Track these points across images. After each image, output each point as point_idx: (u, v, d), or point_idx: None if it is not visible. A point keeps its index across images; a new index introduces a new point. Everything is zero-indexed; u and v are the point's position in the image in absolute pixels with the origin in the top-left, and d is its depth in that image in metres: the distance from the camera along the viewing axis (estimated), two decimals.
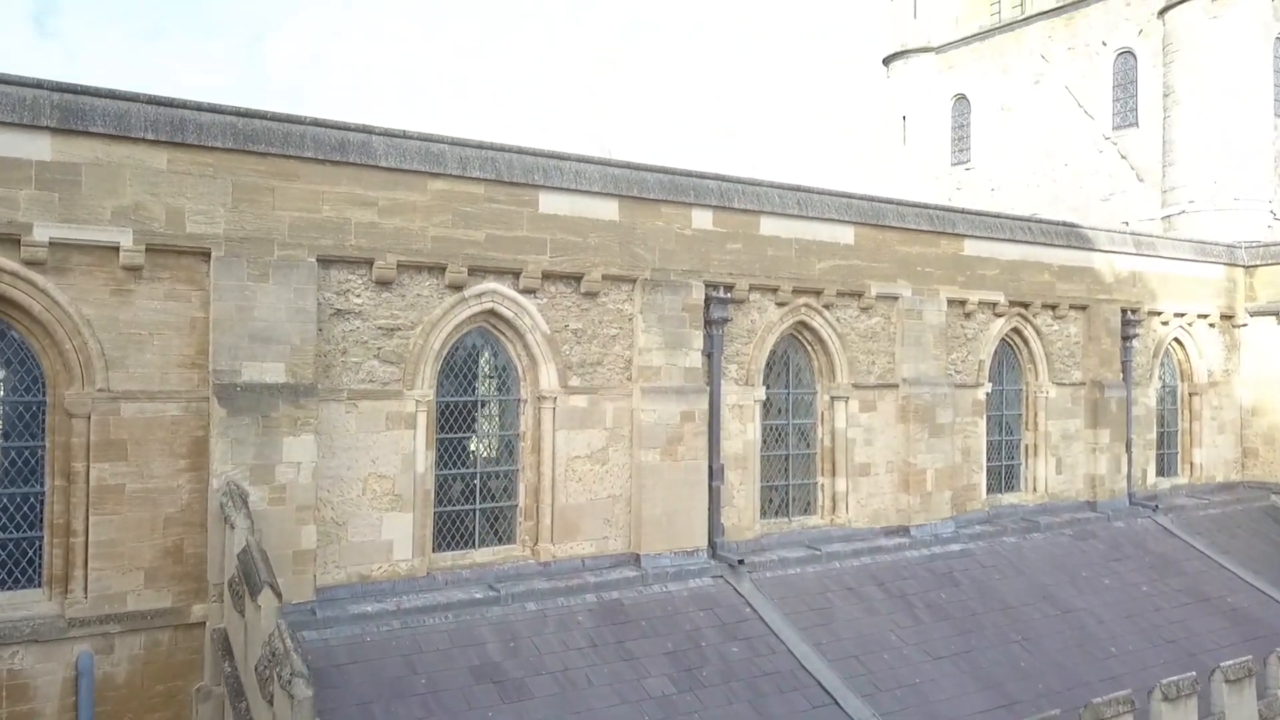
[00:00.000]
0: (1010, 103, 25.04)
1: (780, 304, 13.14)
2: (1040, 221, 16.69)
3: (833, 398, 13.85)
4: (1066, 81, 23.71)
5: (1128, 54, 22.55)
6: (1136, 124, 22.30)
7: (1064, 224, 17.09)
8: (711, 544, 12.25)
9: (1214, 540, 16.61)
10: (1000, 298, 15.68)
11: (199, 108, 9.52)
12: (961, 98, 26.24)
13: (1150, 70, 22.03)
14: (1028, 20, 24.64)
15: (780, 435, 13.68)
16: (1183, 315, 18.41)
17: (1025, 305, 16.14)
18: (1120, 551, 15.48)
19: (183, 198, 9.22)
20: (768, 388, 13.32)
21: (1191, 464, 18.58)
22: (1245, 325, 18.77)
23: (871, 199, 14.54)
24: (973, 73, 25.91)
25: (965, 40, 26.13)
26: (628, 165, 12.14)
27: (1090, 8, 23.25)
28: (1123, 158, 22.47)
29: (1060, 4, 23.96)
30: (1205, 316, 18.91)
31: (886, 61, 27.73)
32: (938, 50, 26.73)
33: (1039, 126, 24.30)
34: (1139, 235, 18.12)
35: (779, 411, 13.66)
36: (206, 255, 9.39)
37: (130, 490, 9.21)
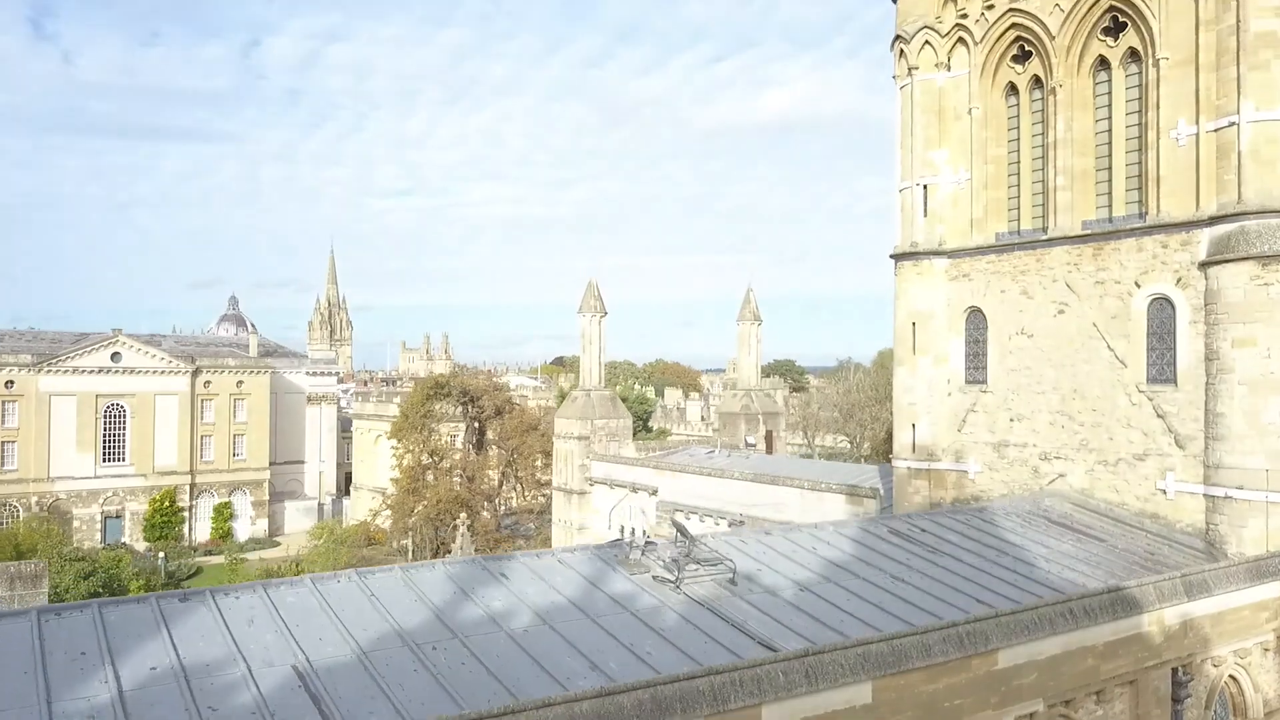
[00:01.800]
0: (1031, 329, 22.86)
1: None
2: (1085, 597, 14.48)
3: None
4: (1095, 319, 21.53)
5: (1164, 301, 20.37)
6: (1174, 382, 20.12)
7: (1109, 590, 14.90)
8: None
9: None
10: (1039, 706, 13.50)
11: None
12: (977, 311, 24.06)
13: (1189, 326, 19.86)
14: (1051, 242, 22.45)
15: None
16: (1239, 650, 16.25)
17: (1067, 702, 13.97)
18: None
19: None
20: None
21: None
22: None
23: (892, 638, 12.34)
24: (989, 288, 23.72)
25: (981, 250, 23.95)
26: None
27: (1122, 242, 21.07)
28: (1159, 416, 20.30)
29: (1087, 232, 21.78)
30: (1263, 643, 16.77)
31: (895, 259, 25.56)
32: (951, 255, 24.56)
33: (1065, 361, 22.12)
34: (1189, 576, 15.93)
35: None
36: None
37: None
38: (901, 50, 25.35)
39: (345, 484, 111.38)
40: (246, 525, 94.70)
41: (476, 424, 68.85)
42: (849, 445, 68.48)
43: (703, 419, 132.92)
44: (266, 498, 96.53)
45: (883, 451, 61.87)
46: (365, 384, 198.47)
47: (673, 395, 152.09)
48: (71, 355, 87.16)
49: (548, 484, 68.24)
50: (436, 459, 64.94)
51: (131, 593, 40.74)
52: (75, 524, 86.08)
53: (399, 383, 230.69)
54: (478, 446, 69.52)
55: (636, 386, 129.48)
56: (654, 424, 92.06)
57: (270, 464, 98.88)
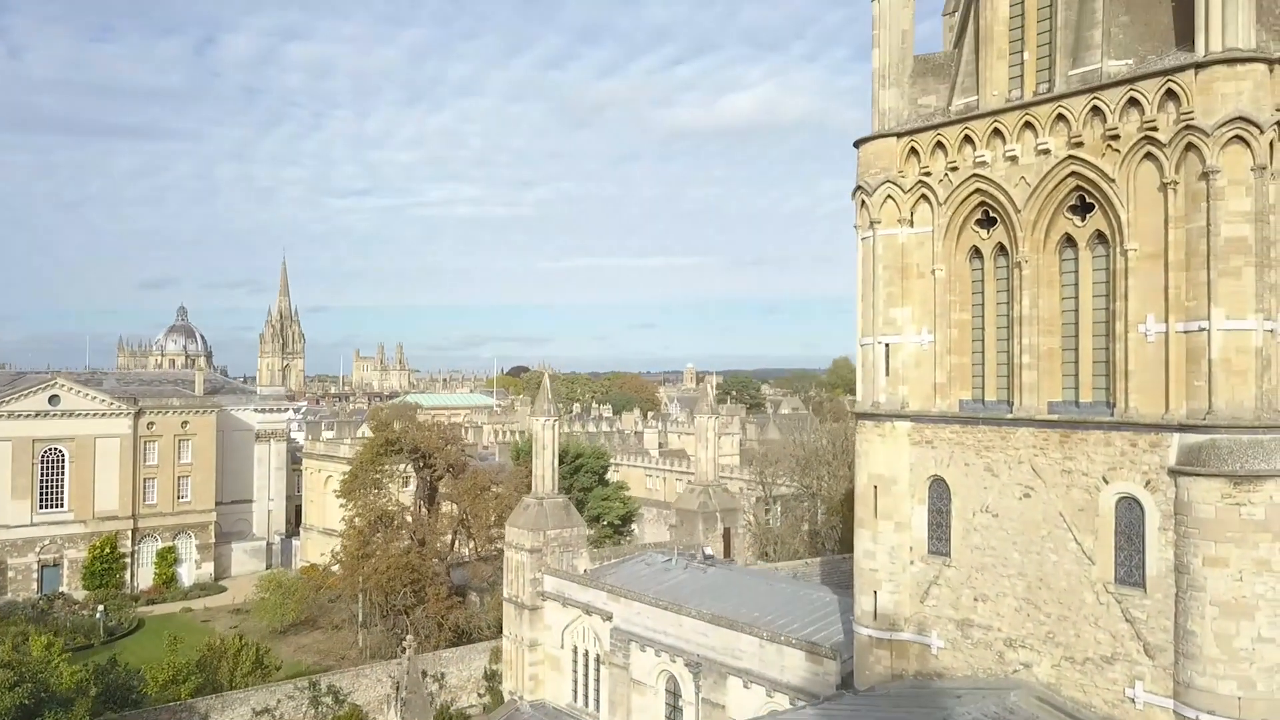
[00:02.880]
0: (996, 508, 22.15)
1: None
2: None
3: None
4: (1062, 508, 20.86)
5: (1133, 501, 19.74)
6: (1144, 587, 19.50)
7: None
8: None
9: None
10: None
11: None
12: (940, 481, 23.31)
13: (1159, 533, 19.23)
14: (1016, 422, 21.75)
15: None
16: None
17: None
18: None
19: None
20: None
21: None
22: None
23: None
24: (954, 459, 22.98)
25: (945, 419, 23.19)
26: None
27: (1090, 433, 20.40)
28: (1128, 621, 19.66)
29: (1054, 417, 21.09)
30: None
31: (857, 416, 24.74)
32: (914, 419, 23.78)
33: (1031, 548, 21.43)
34: None
35: None
36: None
37: None
38: (863, 201, 24.52)
39: (296, 516, 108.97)
40: (191, 569, 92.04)
41: (428, 483, 67.27)
42: (806, 503, 67.90)
43: (660, 446, 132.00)
44: (212, 540, 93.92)
45: (841, 513, 61.34)
46: (318, 401, 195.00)
47: (629, 419, 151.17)
48: (6, 399, 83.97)
49: (501, 538, 66.94)
50: (387, 520, 63.28)
51: (74, 708, 38.47)
52: (10, 574, 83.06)
53: (352, 398, 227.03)
54: (429, 504, 67.96)
55: (594, 427, 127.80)
56: (611, 462, 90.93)
57: (217, 504, 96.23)
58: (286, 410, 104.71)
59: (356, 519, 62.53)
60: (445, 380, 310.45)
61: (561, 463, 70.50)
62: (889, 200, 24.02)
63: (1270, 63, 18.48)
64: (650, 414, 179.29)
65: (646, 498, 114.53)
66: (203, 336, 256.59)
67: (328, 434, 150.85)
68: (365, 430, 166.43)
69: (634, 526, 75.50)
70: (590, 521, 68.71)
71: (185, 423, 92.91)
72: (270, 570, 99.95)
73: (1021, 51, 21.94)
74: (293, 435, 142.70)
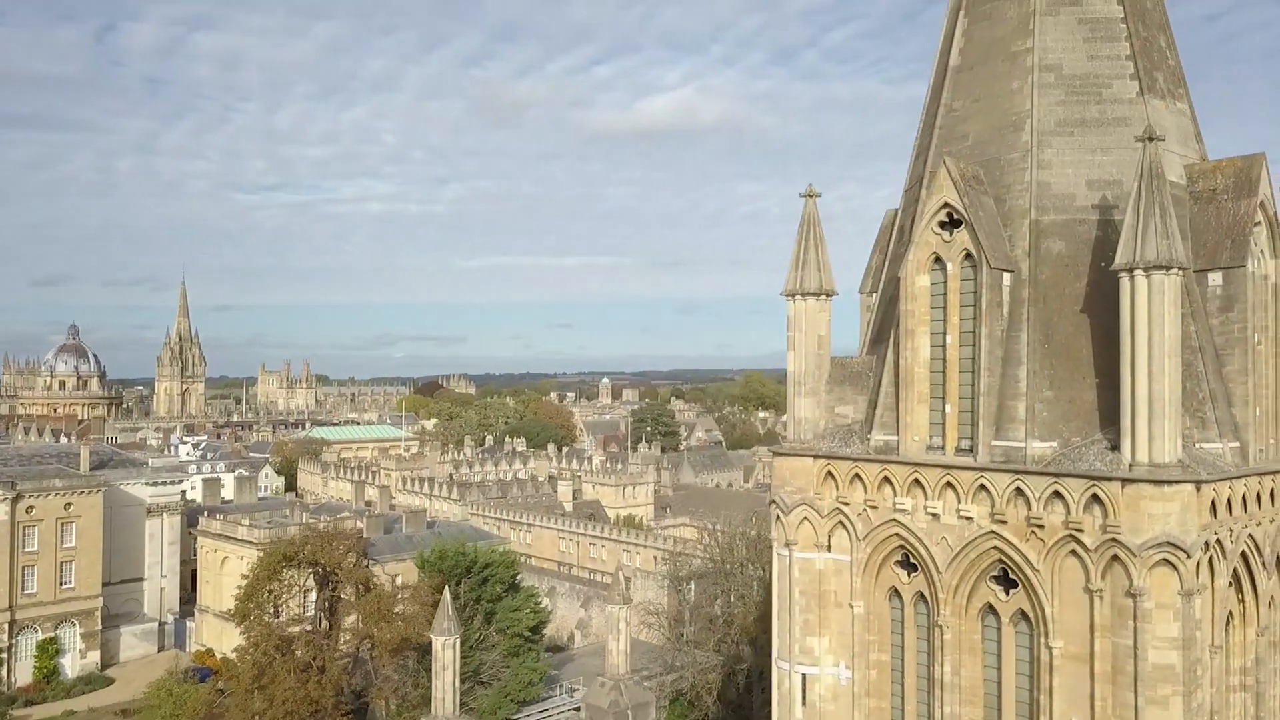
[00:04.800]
0: None
1: None
2: None
3: None
4: None
5: None
6: None
7: None
8: None
9: None
10: None
11: None
12: None
13: None
14: None
15: None
16: None
17: None
18: None
19: None
20: None
21: None
22: None
23: None
24: None
25: None
26: None
27: None
28: None
29: None
30: None
31: None
32: None
33: None
34: None
35: None
36: None
37: None
38: (779, 516, 23.22)
39: (192, 582, 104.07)
40: (75, 660, 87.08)
41: (329, 600, 64.40)
42: (722, 625, 66.95)
43: (575, 496, 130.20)
44: (98, 627, 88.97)
45: (760, 644, 60.44)
46: (219, 434, 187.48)
47: (543, 464, 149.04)
48: None
49: (407, 653, 64.46)
50: (284, 645, 60.23)
51: None
52: None
53: (256, 427, 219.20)
54: (330, 618, 65.09)
55: (506, 466, 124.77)
56: (523, 556, 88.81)
57: (104, 585, 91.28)
58: (180, 482, 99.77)
59: (251, 651, 59.34)
60: (353, 398, 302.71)
61: (469, 573, 68.43)
62: (805, 522, 22.74)
63: (1198, 484, 17.71)
64: (565, 448, 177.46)
65: (560, 560, 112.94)
66: (95, 356, 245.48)
67: (227, 480, 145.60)
68: (268, 474, 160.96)
69: (545, 632, 73.67)
70: (500, 634, 66.72)
71: (69, 504, 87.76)
72: (163, 653, 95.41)
73: (944, 402, 20.88)
74: (190, 475, 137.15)
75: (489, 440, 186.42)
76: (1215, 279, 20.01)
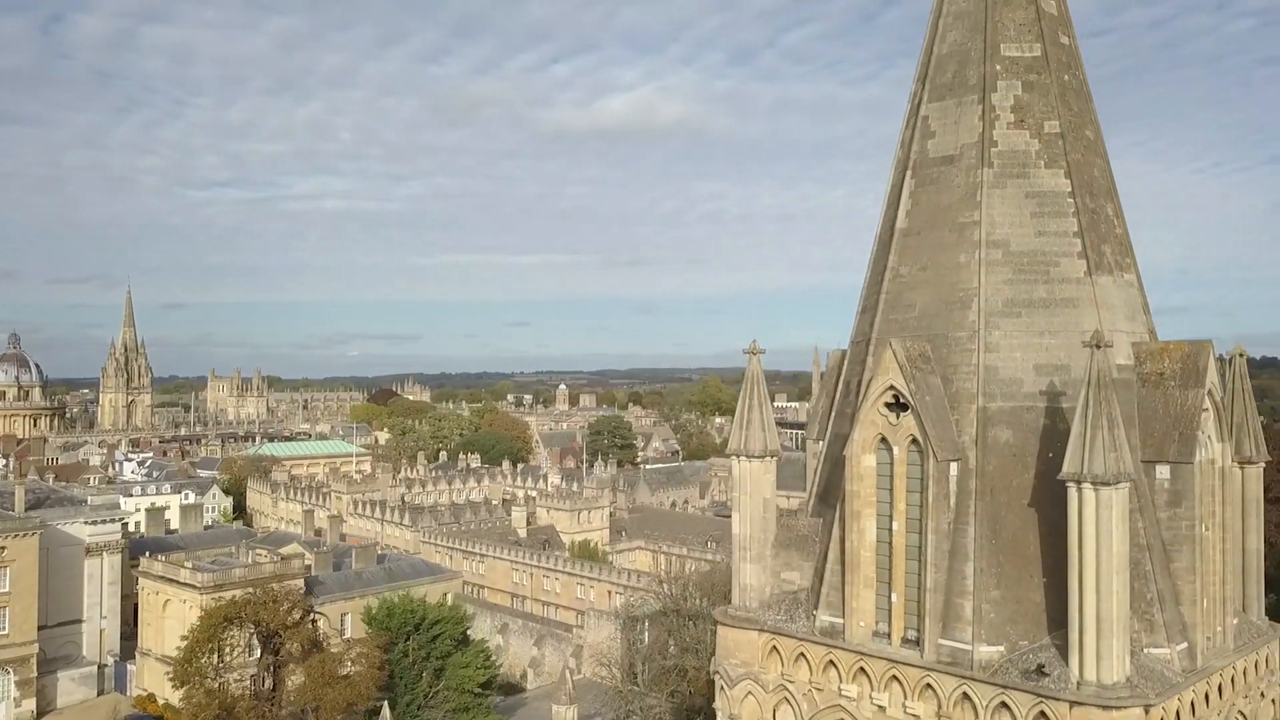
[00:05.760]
0: None
1: None
2: None
3: None
4: None
5: None
6: None
7: None
8: None
9: None
10: None
11: None
12: None
13: None
14: None
15: None
16: None
17: None
18: None
19: None
20: None
21: None
22: None
23: None
24: None
25: None
26: None
27: None
28: None
29: None
30: None
31: None
32: None
33: None
34: None
35: None
36: None
37: None
38: (722, 687, 22.58)
39: (134, 616, 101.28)
40: (10, 709, 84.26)
41: (273, 665, 62.78)
42: (675, 677, 66.38)
43: (529, 523, 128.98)
44: (34, 674, 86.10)
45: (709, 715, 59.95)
46: (165, 451, 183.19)
47: (496, 486, 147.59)
48: None
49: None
50: (226, 711, 58.61)
51: None
52: None
53: (205, 441, 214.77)
54: (273, 679, 63.50)
55: (460, 486, 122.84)
56: (470, 611, 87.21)
57: (40, 628, 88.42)
58: (120, 520, 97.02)
59: (192, 716, 57.62)
60: (306, 404, 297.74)
61: (417, 630, 67.08)
62: (750, 696, 22.13)
63: (1146, 707, 17.32)
64: (520, 465, 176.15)
65: (513, 592, 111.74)
66: (37, 365, 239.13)
67: (174, 501, 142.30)
68: (215, 495, 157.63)
69: (496, 698, 72.54)
70: (449, 690, 65.60)
71: (3, 548, 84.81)
72: (103, 697, 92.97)
73: (890, 589, 20.33)
74: (134, 496, 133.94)
75: (443, 455, 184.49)
76: (1163, 472, 19.64)
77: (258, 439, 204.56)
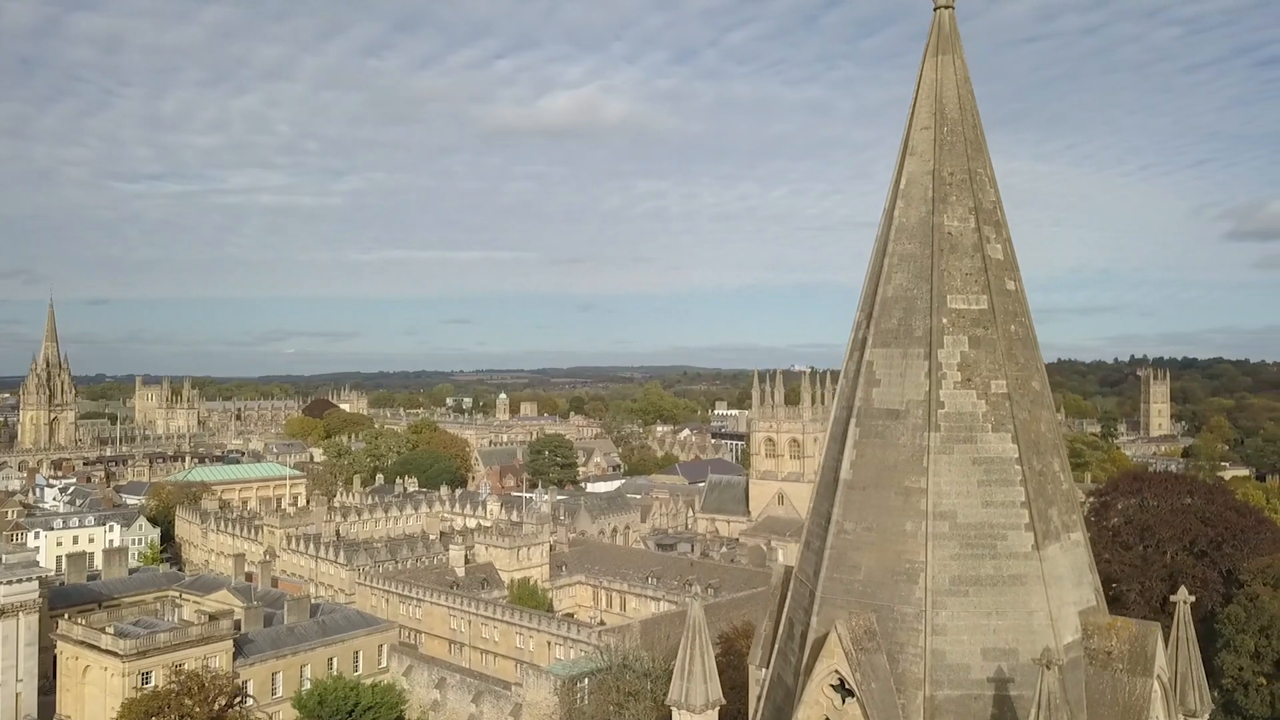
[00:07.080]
0: None
1: None
2: None
3: None
4: None
5: None
6: None
7: None
8: None
9: None
10: None
11: None
12: None
13: None
14: None
15: None
16: None
17: None
18: None
19: None
20: None
21: None
22: None
23: None
24: None
25: None
26: None
27: None
28: None
29: None
30: None
31: None
32: None
33: None
34: None
35: None
36: None
37: None
38: None
39: (53, 669, 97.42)
40: None
41: None
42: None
43: (467, 561, 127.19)
44: None
45: None
46: (88, 479, 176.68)
47: (434, 522, 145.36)
48: None
49: None
50: None
51: None
52: None
53: (131, 461, 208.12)
54: None
55: (398, 514, 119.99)
56: (411, 664, 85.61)
57: None
58: (34, 579, 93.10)
59: None
60: (239, 415, 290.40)
61: (350, 715, 65.39)
62: None
63: None
64: (460, 490, 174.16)
65: (451, 638, 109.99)
66: None
67: (97, 536, 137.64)
68: (142, 527, 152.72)
69: None
70: None
71: None
72: None
73: None
74: (53, 529, 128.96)
75: (379, 478, 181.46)
76: None
77: (187, 459, 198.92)
